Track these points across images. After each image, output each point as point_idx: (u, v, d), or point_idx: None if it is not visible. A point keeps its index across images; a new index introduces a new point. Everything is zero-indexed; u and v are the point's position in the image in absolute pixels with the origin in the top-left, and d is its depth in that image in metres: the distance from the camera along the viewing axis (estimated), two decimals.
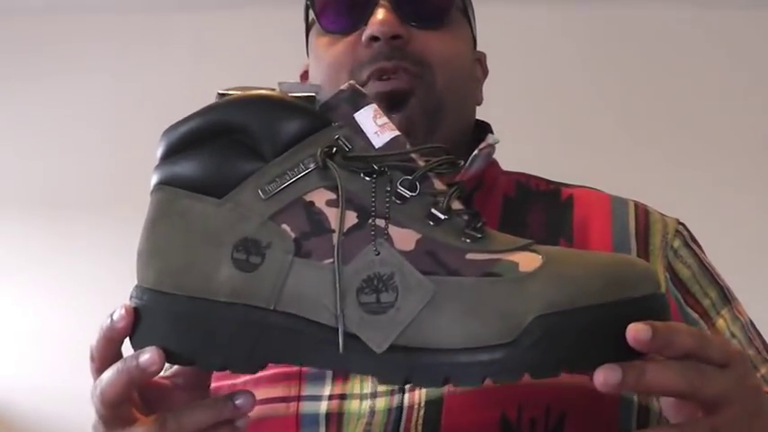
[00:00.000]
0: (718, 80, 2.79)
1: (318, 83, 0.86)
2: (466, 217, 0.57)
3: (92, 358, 0.60)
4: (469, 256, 0.55)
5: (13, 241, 2.86)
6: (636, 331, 0.51)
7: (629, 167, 2.63)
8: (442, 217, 0.56)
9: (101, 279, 2.68)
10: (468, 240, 0.55)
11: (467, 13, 0.92)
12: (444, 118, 0.85)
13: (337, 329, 0.53)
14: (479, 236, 0.56)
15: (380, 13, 0.82)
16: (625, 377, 0.50)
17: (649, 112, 2.79)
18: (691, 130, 2.77)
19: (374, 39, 0.82)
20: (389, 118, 0.61)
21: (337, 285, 0.53)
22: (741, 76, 2.79)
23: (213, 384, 0.67)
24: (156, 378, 0.60)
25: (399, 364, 0.53)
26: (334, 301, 0.53)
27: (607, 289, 0.53)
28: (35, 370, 2.73)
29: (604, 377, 0.50)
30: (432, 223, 0.56)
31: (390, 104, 0.81)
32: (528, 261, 0.54)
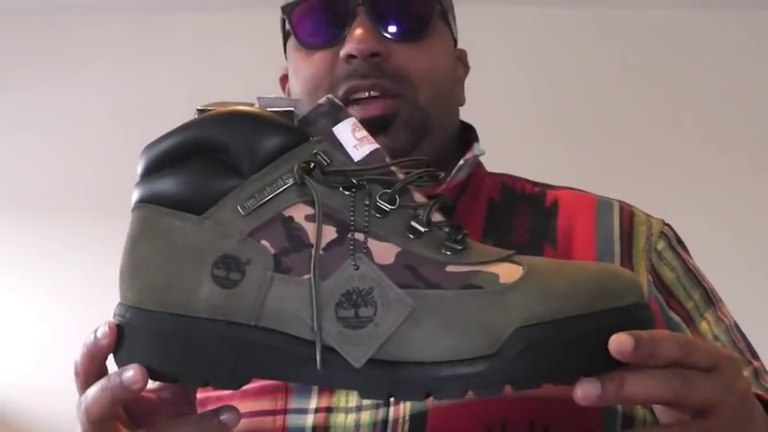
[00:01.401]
0: (718, 80, 2.79)
1: (297, 94, 0.85)
2: (447, 229, 0.57)
3: (76, 373, 0.60)
4: (449, 268, 0.54)
5: (16, 242, 2.87)
6: (619, 342, 0.49)
7: (628, 167, 2.63)
8: (422, 230, 0.56)
9: (105, 280, 2.67)
10: (448, 253, 0.55)
11: (447, 18, 0.90)
12: (431, 132, 0.84)
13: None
14: (460, 248, 0.56)
15: (358, 30, 0.81)
16: (604, 390, 0.50)
17: (649, 112, 2.78)
18: (691, 130, 2.76)
19: (351, 56, 0.81)
20: (375, 139, 0.60)
21: (314, 301, 0.53)
22: (742, 77, 2.79)
23: (199, 395, 0.67)
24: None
25: (381, 379, 0.53)
26: (312, 316, 0.53)
27: (590, 299, 0.52)
28: (40, 371, 2.74)
29: (582, 392, 0.50)
30: (412, 236, 0.56)
31: (373, 127, 0.79)
32: (508, 272, 0.54)
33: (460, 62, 0.94)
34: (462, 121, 0.93)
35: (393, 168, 0.58)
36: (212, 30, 2.98)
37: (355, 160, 0.57)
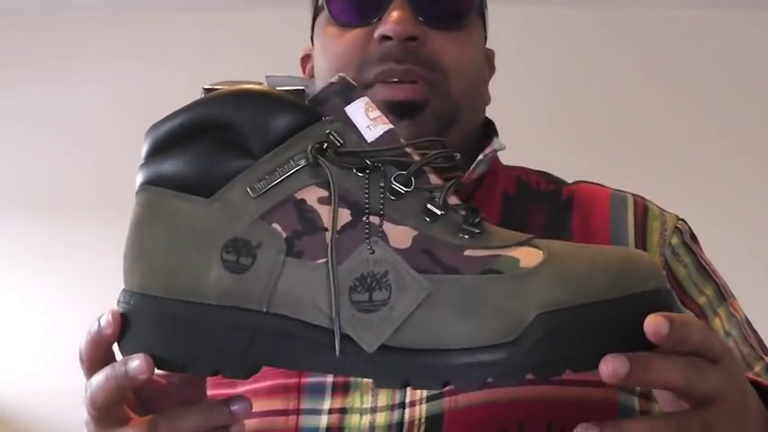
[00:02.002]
0: (719, 80, 2.78)
1: (323, 72, 0.83)
2: (463, 212, 0.55)
3: (81, 359, 0.58)
4: (468, 252, 0.52)
5: (16, 241, 2.86)
6: (655, 324, 0.48)
7: (629, 167, 2.62)
8: (439, 213, 0.54)
9: (106, 278, 2.66)
10: (465, 236, 0.53)
11: (482, 13, 0.88)
12: (457, 125, 0.82)
13: (331, 331, 0.51)
14: (478, 231, 0.54)
15: (396, 11, 0.78)
16: (632, 369, 0.48)
17: (649, 113, 2.77)
18: (690, 131, 2.75)
19: (387, 38, 0.78)
20: (400, 124, 0.58)
21: (332, 285, 0.51)
22: (742, 77, 2.78)
23: (209, 392, 0.65)
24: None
25: (397, 367, 0.51)
26: (328, 301, 0.51)
27: (613, 284, 0.51)
28: (39, 371, 2.73)
29: (613, 367, 0.48)
30: (428, 219, 0.54)
31: (401, 111, 0.78)
32: (529, 256, 0.52)
33: (488, 62, 0.92)
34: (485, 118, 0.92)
35: (408, 150, 0.56)
36: (212, 30, 2.96)
37: (368, 141, 0.55)
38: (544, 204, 0.84)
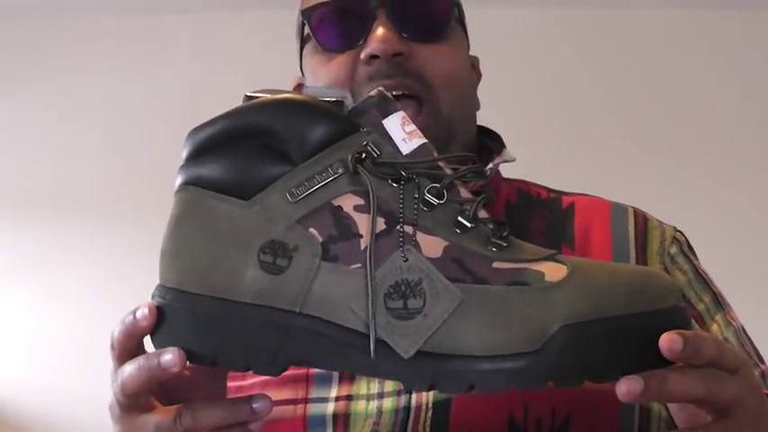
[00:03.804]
0: (717, 81, 2.80)
1: None
2: (492, 226, 0.57)
3: (112, 347, 0.60)
4: (496, 264, 0.55)
5: (15, 242, 2.84)
6: (670, 341, 0.51)
7: (627, 169, 2.65)
8: (469, 225, 0.56)
9: (104, 280, 2.68)
10: (494, 249, 0.56)
11: (463, 22, 0.91)
12: (453, 139, 0.85)
13: (364, 334, 0.54)
14: (506, 245, 0.56)
15: (380, 30, 0.81)
16: (647, 387, 0.51)
17: (648, 113, 2.79)
18: (690, 131, 2.77)
19: (374, 57, 0.81)
20: None
21: (369, 290, 0.53)
22: (741, 78, 2.80)
23: None
24: None
25: (425, 370, 0.53)
26: (363, 305, 0.54)
27: (633, 300, 0.53)
28: (39, 371, 2.71)
29: (627, 388, 0.51)
30: (458, 231, 0.56)
31: None
32: (553, 271, 0.55)
33: (474, 68, 0.95)
34: (482, 127, 0.94)
35: (440, 164, 0.58)
36: (212, 30, 2.97)
37: (404, 153, 0.58)
38: (545, 211, 0.87)
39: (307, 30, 0.88)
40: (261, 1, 2.74)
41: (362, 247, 0.55)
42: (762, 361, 0.83)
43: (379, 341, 0.53)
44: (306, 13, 0.87)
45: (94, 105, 2.92)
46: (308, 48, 0.89)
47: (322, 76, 0.85)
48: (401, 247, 0.55)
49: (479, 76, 0.97)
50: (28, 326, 2.77)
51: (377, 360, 0.53)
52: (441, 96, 0.84)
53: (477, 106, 0.94)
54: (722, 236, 2.48)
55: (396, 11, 0.82)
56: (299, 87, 0.93)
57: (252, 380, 0.78)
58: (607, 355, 0.53)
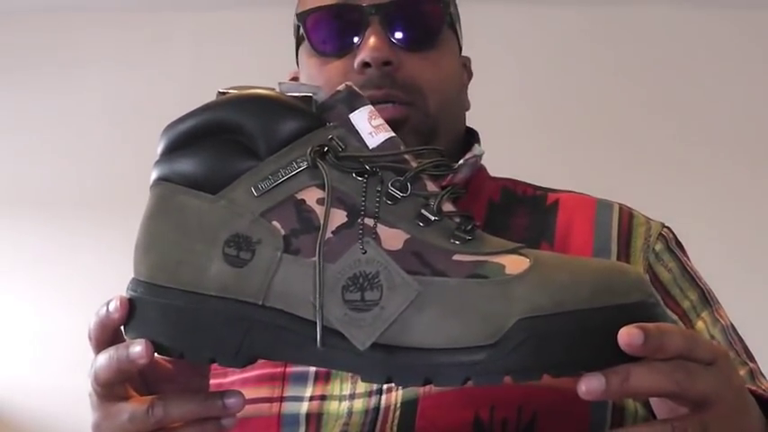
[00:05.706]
0: (717, 81, 2.75)
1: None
2: (457, 219, 0.57)
3: (89, 337, 0.62)
4: (456, 257, 0.55)
5: (15, 241, 2.87)
6: (628, 335, 0.50)
7: (626, 168, 2.61)
8: (432, 218, 0.56)
9: (105, 278, 2.66)
10: (457, 242, 0.55)
11: (454, 27, 0.92)
12: (438, 138, 0.86)
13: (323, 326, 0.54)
14: (469, 238, 0.56)
15: (372, 38, 0.83)
16: (609, 384, 0.50)
17: (648, 113, 2.75)
18: (690, 131, 2.72)
19: (366, 65, 0.83)
20: None
21: (317, 279, 0.54)
22: (740, 78, 2.75)
23: None
24: (158, 359, 0.62)
25: (381, 363, 0.53)
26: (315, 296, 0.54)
27: (596, 294, 0.52)
28: (39, 370, 2.73)
29: (587, 387, 0.50)
30: (421, 224, 0.56)
31: None
32: (515, 264, 0.54)
33: (465, 69, 0.96)
34: (466, 127, 0.96)
35: (407, 157, 0.58)
36: (212, 30, 2.97)
37: (370, 147, 0.58)
38: (528, 208, 0.87)
39: (302, 31, 0.90)
40: (261, 1, 2.72)
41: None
42: (751, 359, 0.81)
43: (335, 333, 0.54)
44: (301, 17, 0.89)
45: (94, 105, 2.92)
46: (303, 47, 0.91)
47: (317, 80, 0.87)
48: (360, 239, 0.55)
49: (470, 75, 0.98)
50: (28, 325, 2.78)
51: (331, 352, 0.54)
52: (429, 98, 0.85)
53: (466, 106, 0.95)
54: (717, 235, 2.44)
55: (388, 18, 0.84)
56: (295, 81, 0.94)
57: (232, 377, 0.79)
58: (566, 349, 0.51)
